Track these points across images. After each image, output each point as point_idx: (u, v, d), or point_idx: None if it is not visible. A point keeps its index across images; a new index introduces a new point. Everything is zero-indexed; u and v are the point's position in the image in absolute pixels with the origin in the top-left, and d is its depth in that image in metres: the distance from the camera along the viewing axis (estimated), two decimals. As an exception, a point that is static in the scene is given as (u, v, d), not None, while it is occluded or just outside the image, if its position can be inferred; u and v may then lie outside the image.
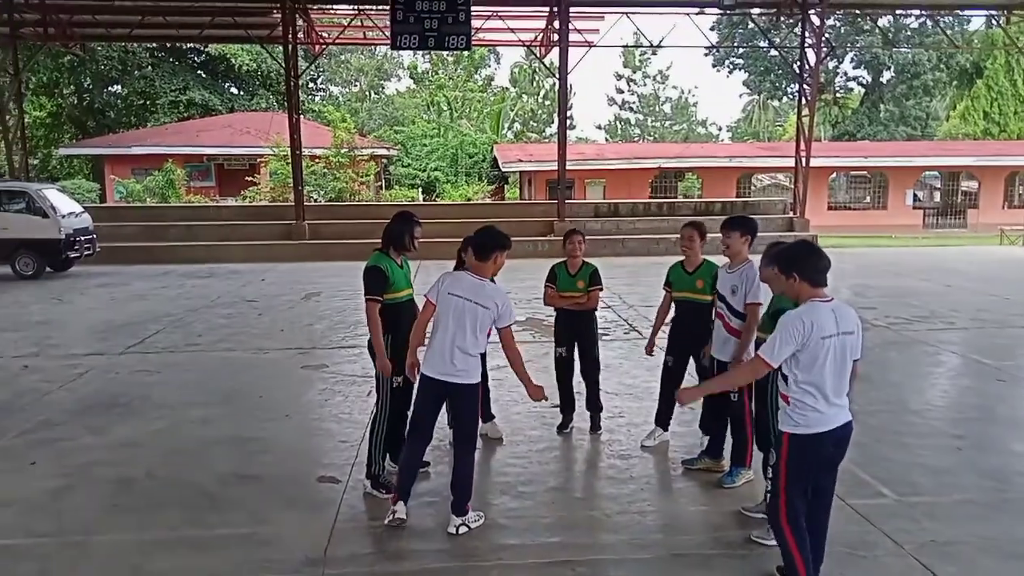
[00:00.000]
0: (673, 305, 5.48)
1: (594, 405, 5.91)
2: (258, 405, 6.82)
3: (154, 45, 30.03)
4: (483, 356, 5.57)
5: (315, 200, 24.21)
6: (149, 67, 31.90)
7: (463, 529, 4.23)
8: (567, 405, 5.98)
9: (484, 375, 5.74)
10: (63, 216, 15.46)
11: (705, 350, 5.07)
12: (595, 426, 5.92)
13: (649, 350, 5.61)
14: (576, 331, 5.78)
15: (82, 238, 15.85)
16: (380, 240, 4.83)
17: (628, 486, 5.01)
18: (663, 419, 5.60)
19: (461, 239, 5.25)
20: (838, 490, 4.72)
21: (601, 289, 5.76)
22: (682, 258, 5.36)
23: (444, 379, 4.18)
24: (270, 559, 4.01)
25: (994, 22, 26.73)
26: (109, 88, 34.14)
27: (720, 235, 4.86)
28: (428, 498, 4.75)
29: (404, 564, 3.94)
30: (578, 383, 5.95)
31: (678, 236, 5.39)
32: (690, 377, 5.52)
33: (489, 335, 4.32)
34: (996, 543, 4.12)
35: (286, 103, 21.51)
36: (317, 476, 5.15)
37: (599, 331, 6.06)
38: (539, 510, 4.61)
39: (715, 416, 5.11)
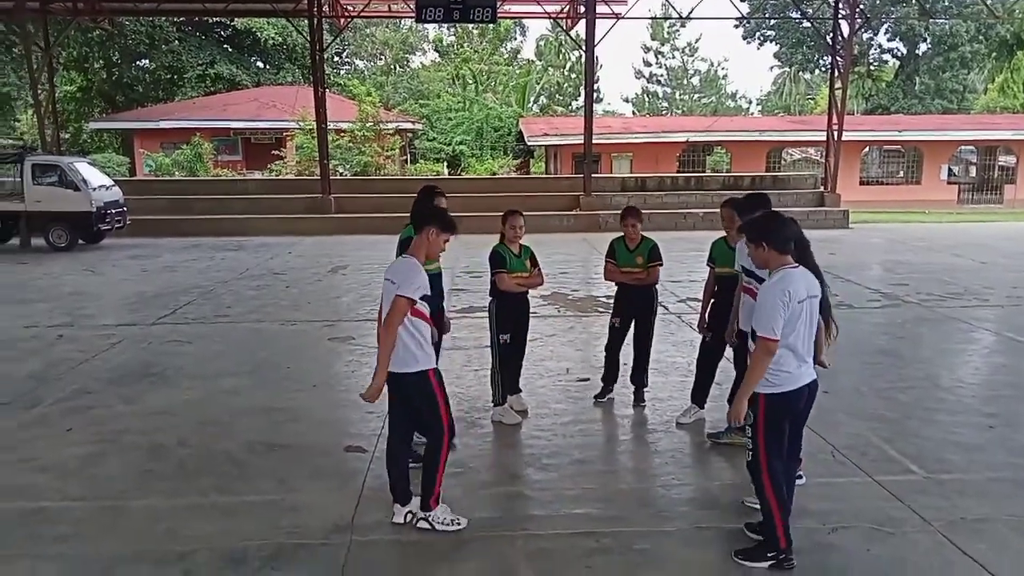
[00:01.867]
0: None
1: (639, 377, 5.93)
2: (286, 376, 6.91)
3: (181, 19, 30.12)
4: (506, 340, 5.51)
5: (341, 174, 24.27)
6: (176, 41, 32.04)
7: (422, 524, 3.97)
8: (610, 375, 6.01)
9: (521, 352, 5.75)
10: (94, 189, 15.69)
11: (729, 330, 5.02)
12: (638, 399, 5.94)
13: (701, 328, 5.55)
14: (638, 306, 5.78)
15: (113, 211, 16.08)
16: (409, 215, 4.84)
17: (654, 460, 5.02)
18: (700, 396, 5.57)
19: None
20: (866, 467, 4.74)
21: (661, 265, 5.74)
22: (724, 233, 5.29)
23: (391, 369, 3.87)
24: (299, 525, 4.07)
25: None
26: (137, 63, 34.39)
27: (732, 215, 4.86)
28: (454, 468, 4.77)
29: (430, 533, 3.98)
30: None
31: (705, 211, 5.33)
32: (726, 360, 5.47)
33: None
34: (1028, 521, 4.06)
35: (312, 77, 21.51)
36: (344, 446, 5.22)
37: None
38: (564, 482, 4.62)
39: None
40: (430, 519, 3.96)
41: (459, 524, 3.99)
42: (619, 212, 5.98)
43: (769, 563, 3.64)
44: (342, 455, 5.08)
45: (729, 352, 5.27)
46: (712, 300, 5.39)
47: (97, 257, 14.91)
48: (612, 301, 6.08)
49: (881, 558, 3.72)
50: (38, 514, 4.23)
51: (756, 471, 3.65)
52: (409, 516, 4.07)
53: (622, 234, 5.80)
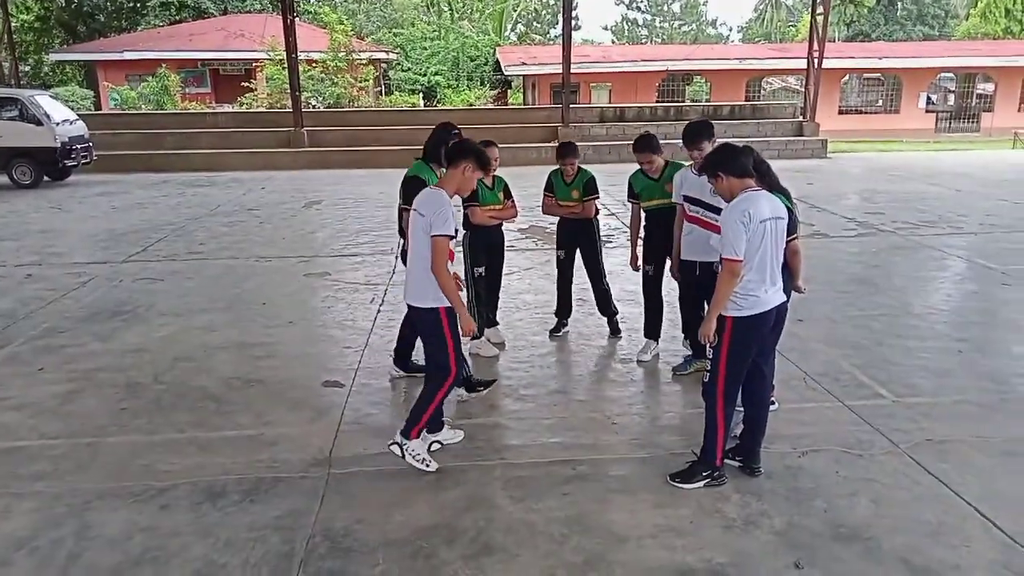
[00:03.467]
0: (644, 215, 5.37)
1: (606, 309, 5.94)
2: (261, 312, 6.85)
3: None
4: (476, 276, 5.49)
5: (313, 106, 23.68)
6: (137, -34, 30.67)
7: (395, 449, 3.91)
8: (562, 309, 6.03)
9: (497, 285, 5.76)
10: (57, 124, 15.20)
11: (673, 265, 5.10)
12: (613, 330, 5.97)
13: (634, 264, 5.54)
14: (575, 237, 5.78)
15: (78, 146, 15.62)
16: (422, 150, 4.91)
17: (629, 389, 5.08)
18: (653, 330, 5.56)
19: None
20: (837, 392, 4.83)
21: (596, 198, 5.69)
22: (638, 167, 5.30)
23: (408, 301, 3.91)
24: (277, 459, 4.09)
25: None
26: (97, -11, 32.94)
27: (686, 149, 4.70)
28: (431, 401, 4.81)
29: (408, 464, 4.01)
30: (583, 289, 5.95)
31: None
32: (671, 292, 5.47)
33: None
34: (990, 442, 4.18)
35: (280, 4, 20.72)
36: (322, 381, 5.22)
37: (603, 238, 6.00)
38: (541, 412, 4.67)
39: (695, 320, 5.14)
40: (404, 447, 3.87)
41: (428, 465, 3.89)
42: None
43: (704, 482, 3.73)
44: (319, 390, 5.08)
45: (672, 283, 5.29)
46: (647, 234, 5.37)
47: (64, 194, 14.55)
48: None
49: (849, 479, 3.81)
50: (14, 452, 4.20)
51: (712, 393, 3.67)
52: (436, 445, 4.12)
53: (559, 167, 5.72)
